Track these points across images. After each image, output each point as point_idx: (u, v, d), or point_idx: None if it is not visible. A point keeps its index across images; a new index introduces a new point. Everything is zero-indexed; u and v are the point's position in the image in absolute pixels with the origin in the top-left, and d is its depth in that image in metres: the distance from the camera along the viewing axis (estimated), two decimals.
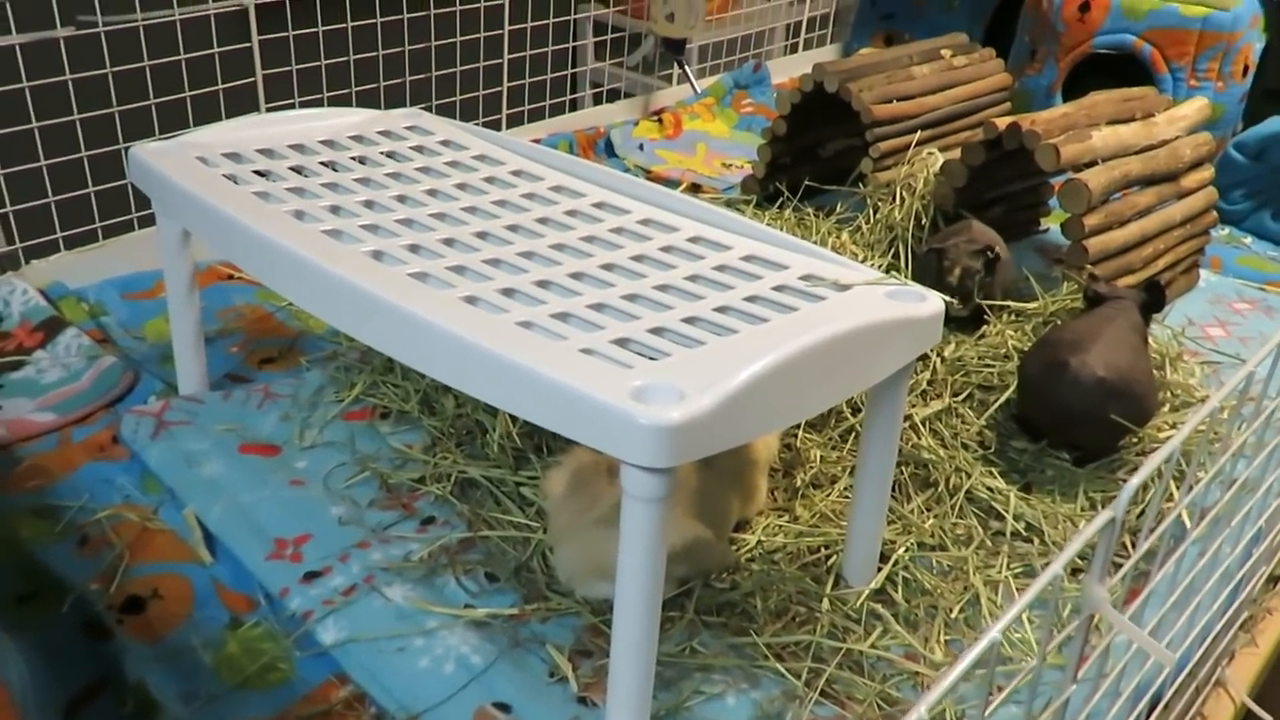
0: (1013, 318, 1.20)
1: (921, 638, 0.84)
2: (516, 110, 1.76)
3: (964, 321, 1.19)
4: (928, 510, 0.96)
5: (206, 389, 1.10)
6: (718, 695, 0.79)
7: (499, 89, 1.71)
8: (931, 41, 1.62)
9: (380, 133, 1.10)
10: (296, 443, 1.04)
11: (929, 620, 0.86)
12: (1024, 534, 0.95)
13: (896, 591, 0.88)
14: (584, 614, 0.85)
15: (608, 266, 0.83)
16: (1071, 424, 1.01)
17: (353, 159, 1.02)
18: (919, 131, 1.46)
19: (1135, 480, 0.42)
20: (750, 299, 0.78)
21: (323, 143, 1.06)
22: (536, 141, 1.86)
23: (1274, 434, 0.70)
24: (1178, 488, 0.99)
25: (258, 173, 0.97)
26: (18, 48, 1.19)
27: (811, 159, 1.60)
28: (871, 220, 1.40)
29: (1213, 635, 0.77)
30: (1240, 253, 1.59)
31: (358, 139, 1.08)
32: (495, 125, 1.74)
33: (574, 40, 1.87)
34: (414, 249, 0.84)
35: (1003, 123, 1.27)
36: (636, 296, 0.78)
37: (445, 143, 1.09)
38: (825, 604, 0.85)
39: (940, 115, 1.51)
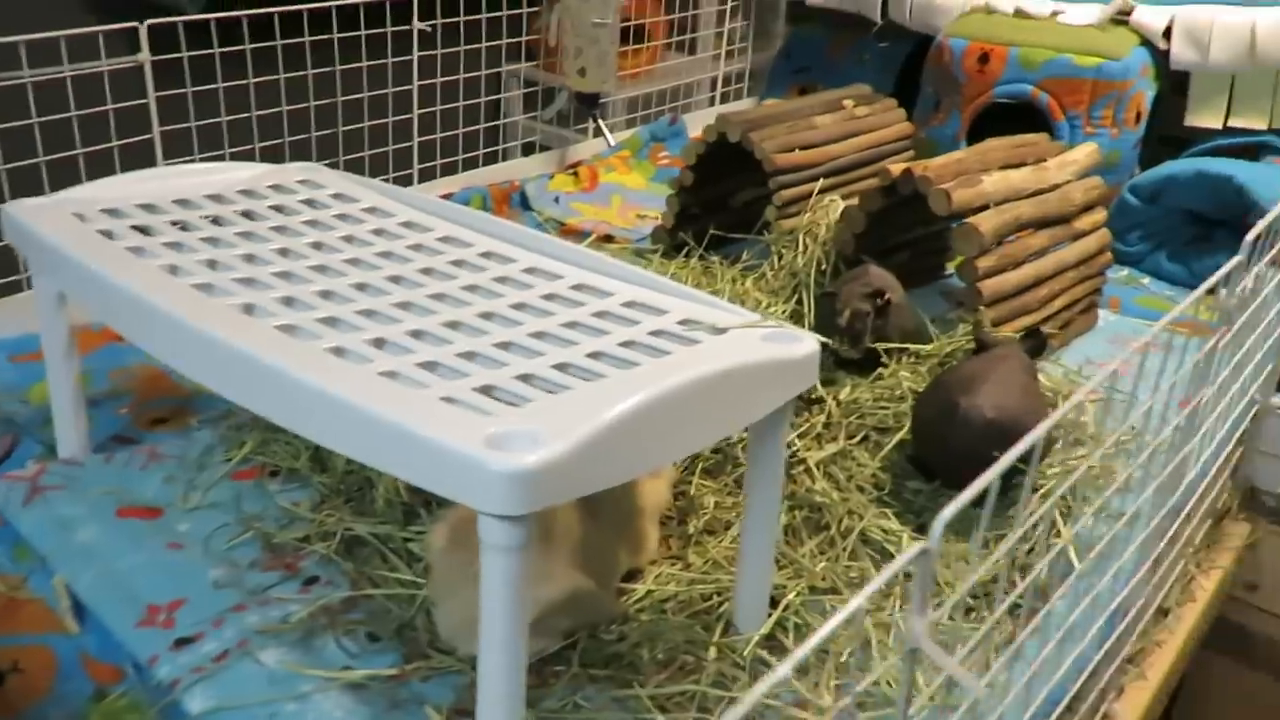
0: (910, 360, 1.21)
1: (811, 683, 0.83)
2: (428, 165, 1.76)
3: (860, 365, 1.19)
4: (820, 554, 0.96)
5: (88, 452, 1.06)
6: None
7: (409, 144, 1.71)
8: (834, 92, 1.65)
9: (271, 187, 1.09)
10: (179, 505, 1.00)
11: (820, 665, 0.85)
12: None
13: (788, 637, 0.87)
14: (466, 672, 0.82)
15: (486, 315, 0.82)
16: (963, 465, 1.01)
17: (238, 213, 1.01)
18: (821, 180, 1.48)
19: (947, 512, 0.42)
20: (625, 344, 0.78)
21: (208, 197, 1.04)
22: (447, 196, 1.86)
23: (1128, 461, 0.71)
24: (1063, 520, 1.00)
25: (137, 228, 0.95)
26: None
27: (722, 209, 1.61)
28: (775, 267, 1.41)
29: (1091, 668, 0.77)
30: (1139, 293, 1.63)
31: (247, 193, 1.06)
32: (406, 180, 1.73)
33: (484, 95, 1.88)
34: (288, 302, 0.83)
35: (897, 169, 1.30)
36: (510, 344, 0.77)
37: (337, 196, 1.08)
38: (712, 652, 0.84)
39: (843, 164, 1.53)
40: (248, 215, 1.01)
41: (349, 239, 0.97)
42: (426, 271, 0.91)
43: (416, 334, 0.78)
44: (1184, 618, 0.99)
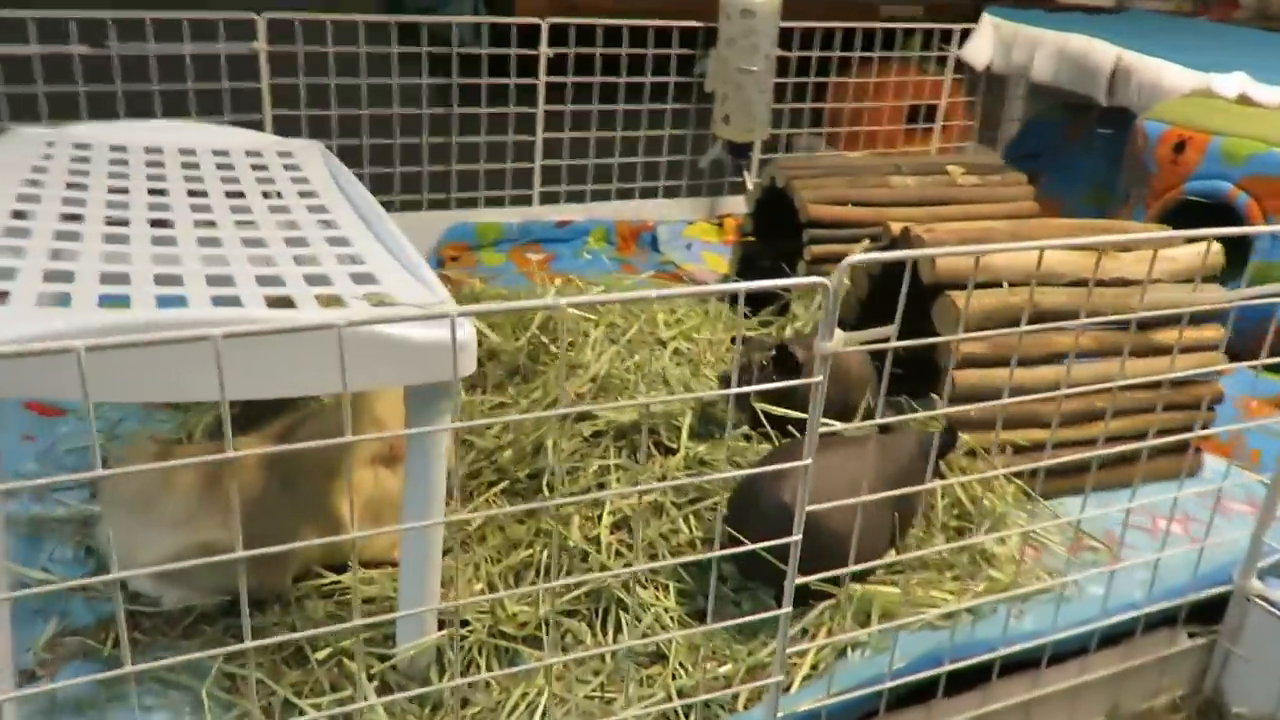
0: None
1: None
2: (551, 189, 1.80)
3: (751, 424, 1.03)
4: (543, 602, 0.84)
5: None
6: (148, 708, 0.73)
7: (530, 165, 1.76)
8: (946, 157, 1.46)
9: (248, 152, 1.18)
10: (81, 411, 1.11)
11: (459, 707, 0.75)
12: (648, 656, 0.80)
13: (444, 669, 0.77)
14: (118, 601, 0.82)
15: (213, 258, 0.82)
16: (755, 554, 0.84)
17: (180, 165, 1.10)
18: (868, 240, 1.31)
19: None
20: (276, 300, 0.75)
21: (182, 150, 1.15)
22: (565, 224, 1.87)
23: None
24: None
25: (78, 159, 1.07)
26: None
27: (794, 260, 1.48)
28: (789, 324, 1.27)
29: None
30: None
31: (219, 153, 1.16)
32: (525, 200, 1.78)
33: (620, 130, 1.87)
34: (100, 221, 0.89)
35: (897, 227, 1.12)
36: (165, 276, 0.76)
37: (288, 166, 1.14)
38: (322, 654, 0.76)
39: None
40: (189, 166, 1.10)
41: (235, 194, 1.02)
42: (244, 224, 0.93)
43: (121, 253, 0.80)
44: None
